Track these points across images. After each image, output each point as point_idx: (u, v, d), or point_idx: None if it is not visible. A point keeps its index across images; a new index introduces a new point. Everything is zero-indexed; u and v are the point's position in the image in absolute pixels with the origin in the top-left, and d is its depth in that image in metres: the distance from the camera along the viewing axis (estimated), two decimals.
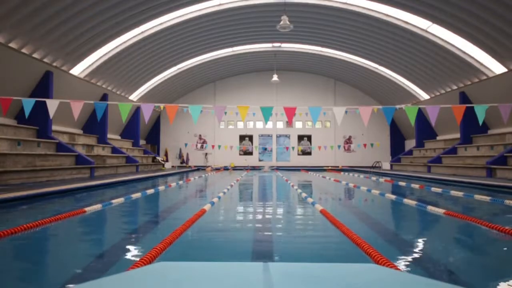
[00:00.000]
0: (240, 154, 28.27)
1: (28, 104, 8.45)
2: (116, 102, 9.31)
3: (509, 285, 1.68)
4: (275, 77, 22.53)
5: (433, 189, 10.26)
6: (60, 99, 9.06)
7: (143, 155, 23.13)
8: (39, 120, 13.07)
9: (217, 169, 24.77)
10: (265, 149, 28.37)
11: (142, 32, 16.55)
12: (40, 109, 9.73)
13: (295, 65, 26.68)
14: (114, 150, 18.84)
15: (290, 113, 8.92)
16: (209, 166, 26.37)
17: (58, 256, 3.85)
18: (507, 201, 7.26)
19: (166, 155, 27.08)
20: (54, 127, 14.55)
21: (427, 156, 20.63)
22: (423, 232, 5.17)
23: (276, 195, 10.16)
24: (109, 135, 19.44)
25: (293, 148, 27.45)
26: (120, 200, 7.44)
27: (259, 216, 6.22)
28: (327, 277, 1.60)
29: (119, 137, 22.15)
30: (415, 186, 11.42)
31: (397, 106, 9.71)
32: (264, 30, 19.44)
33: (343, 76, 26.68)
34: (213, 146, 24.88)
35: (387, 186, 12.52)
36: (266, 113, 8.86)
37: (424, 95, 21.77)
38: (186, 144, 25.62)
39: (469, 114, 10.41)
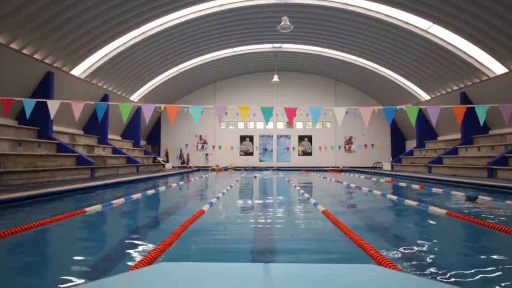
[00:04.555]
0: (240, 155, 28.28)
1: (29, 104, 8.46)
2: (117, 103, 9.32)
3: None
4: (275, 78, 22.53)
5: (434, 189, 10.25)
6: (61, 100, 9.06)
7: (143, 155, 23.15)
8: (40, 121, 13.08)
9: (217, 170, 24.81)
10: (266, 149, 28.38)
11: (143, 33, 16.57)
12: (41, 110, 9.74)
13: (295, 66, 26.69)
14: (115, 150, 18.85)
15: (291, 113, 8.92)
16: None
17: (58, 256, 3.85)
18: (508, 202, 7.25)
19: (166, 155, 27.09)
20: (55, 128, 14.57)
21: (427, 157, 20.61)
22: (424, 233, 5.16)
23: (278, 196, 10.16)
24: (109, 136, 19.45)
25: (293, 148, 27.44)
26: (121, 200, 7.44)
27: (260, 217, 6.22)
28: (328, 278, 1.60)
29: (119, 138, 22.16)
30: (416, 186, 11.41)
31: (398, 107, 9.71)
32: (264, 31, 19.46)
33: (343, 76, 26.68)
34: (213, 147, 24.89)
35: (388, 187, 12.52)
36: (267, 113, 8.86)
37: (424, 96, 21.76)
38: (186, 145, 25.64)
39: (470, 115, 10.39)
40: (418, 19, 15.31)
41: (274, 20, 16.22)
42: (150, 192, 9.57)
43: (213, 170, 24.92)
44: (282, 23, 13.62)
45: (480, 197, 7.59)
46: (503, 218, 5.75)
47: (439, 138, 21.94)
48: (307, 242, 4.42)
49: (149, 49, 17.89)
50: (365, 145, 22.76)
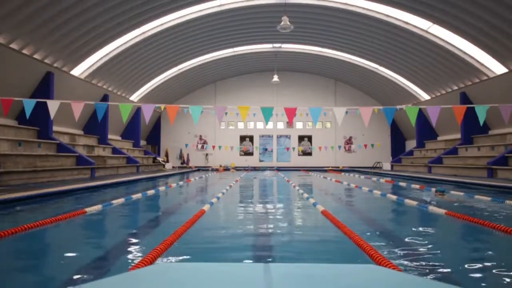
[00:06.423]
0: (240, 155, 28.28)
1: (29, 104, 8.47)
2: (117, 103, 9.32)
3: None
4: (275, 78, 22.53)
5: (434, 189, 10.24)
6: (61, 100, 9.07)
7: (143, 155, 23.15)
8: (40, 121, 13.08)
9: (216, 170, 24.83)
10: (266, 149, 28.38)
11: (143, 33, 16.57)
12: (41, 110, 9.75)
13: (295, 66, 26.69)
14: (115, 150, 18.85)
15: (291, 113, 8.92)
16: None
17: (59, 256, 3.85)
18: (508, 202, 7.26)
19: (166, 155, 27.10)
20: (54, 128, 14.57)
21: (427, 157, 20.61)
22: (424, 233, 5.16)
23: (277, 196, 10.16)
24: (109, 136, 19.45)
25: (293, 148, 27.44)
26: (121, 200, 7.45)
27: (260, 217, 6.22)
28: (327, 278, 1.60)
29: (119, 138, 22.16)
30: (416, 186, 11.41)
31: (398, 107, 9.71)
32: (264, 31, 19.46)
33: (343, 76, 26.69)
34: (213, 147, 24.90)
35: (388, 187, 12.51)
36: (267, 113, 8.86)
37: (424, 96, 21.76)
38: (186, 145, 25.65)
39: (470, 115, 10.39)
40: (418, 19, 15.31)
41: (274, 20, 16.22)
42: (150, 192, 9.57)
43: (213, 170, 24.95)
44: (282, 23, 13.62)
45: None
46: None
47: (439, 138, 21.94)
48: (307, 242, 4.42)
49: (149, 49, 17.88)
50: (365, 145, 22.76)
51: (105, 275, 2.97)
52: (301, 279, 1.54)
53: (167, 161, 25.92)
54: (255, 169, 26.19)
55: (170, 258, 3.51)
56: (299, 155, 28.41)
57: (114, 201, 7.17)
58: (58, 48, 13.40)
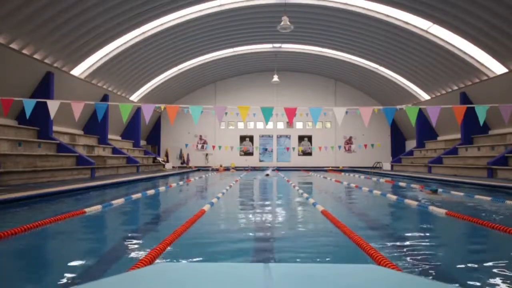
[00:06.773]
0: (240, 155, 28.28)
1: (29, 104, 8.47)
2: (117, 103, 9.32)
3: None
4: (275, 78, 22.53)
5: (422, 188, 10.24)
6: (61, 100, 9.07)
7: (143, 155, 23.15)
8: (40, 121, 13.08)
9: (217, 170, 24.83)
10: (266, 149, 28.38)
11: (143, 33, 16.57)
12: (41, 110, 9.75)
13: (295, 66, 26.69)
14: (115, 150, 18.85)
15: (291, 113, 8.93)
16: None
17: (58, 257, 3.85)
18: (508, 202, 7.26)
19: (166, 155, 27.10)
20: (54, 128, 14.57)
21: (427, 157, 20.61)
22: (424, 232, 5.16)
23: (277, 196, 10.15)
24: (109, 136, 19.45)
25: (293, 148, 27.44)
26: (121, 200, 7.45)
27: (260, 217, 6.22)
28: (328, 278, 1.60)
29: (119, 138, 22.16)
30: (416, 186, 11.40)
31: (398, 107, 9.71)
32: (264, 31, 19.46)
33: (343, 76, 26.69)
34: (213, 147, 24.91)
35: (388, 187, 12.51)
36: (267, 113, 8.87)
37: (424, 96, 21.76)
38: (186, 145, 25.65)
39: (470, 115, 10.40)
40: (418, 19, 15.30)
41: (274, 20, 16.22)
42: (150, 192, 9.56)
43: (213, 170, 24.97)
44: (282, 23, 13.61)
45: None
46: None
47: (439, 138, 21.94)
48: (306, 242, 4.42)
49: (149, 49, 17.88)
50: (365, 145, 22.76)
51: (104, 275, 2.97)
52: (301, 279, 1.53)
53: (167, 161, 25.92)
54: (255, 169, 26.18)
55: (169, 258, 3.50)
56: (299, 155, 28.41)
57: (114, 201, 7.17)
58: (58, 48, 13.40)
